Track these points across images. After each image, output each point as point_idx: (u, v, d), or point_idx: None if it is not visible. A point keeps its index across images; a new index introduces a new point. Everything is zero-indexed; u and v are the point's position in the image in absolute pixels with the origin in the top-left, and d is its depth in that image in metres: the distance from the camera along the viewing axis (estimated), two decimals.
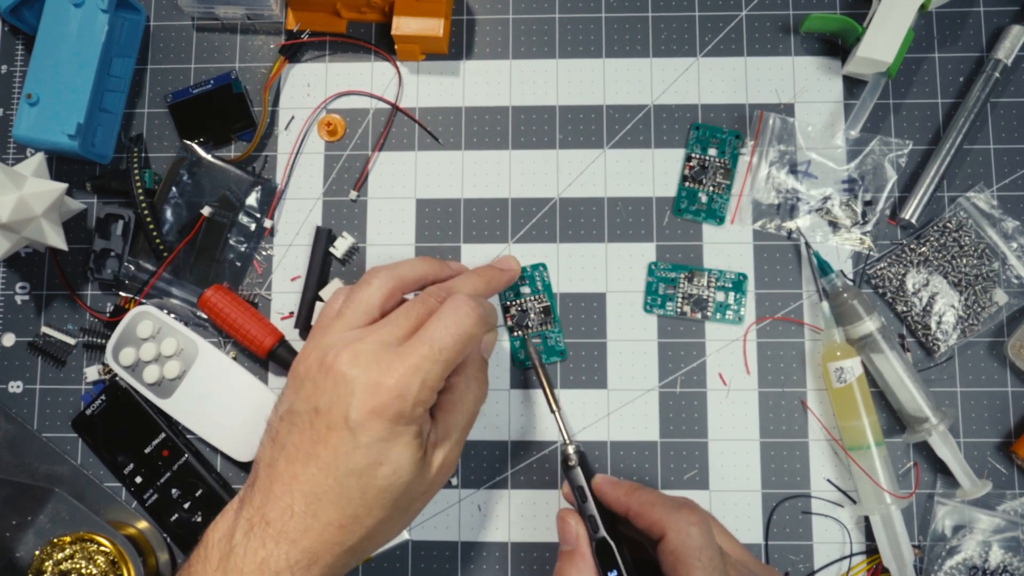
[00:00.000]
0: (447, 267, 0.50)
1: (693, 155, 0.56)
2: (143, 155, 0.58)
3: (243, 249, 0.57)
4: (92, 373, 0.56)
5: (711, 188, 0.56)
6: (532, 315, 0.55)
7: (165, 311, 0.55)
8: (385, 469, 0.41)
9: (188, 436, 0.55)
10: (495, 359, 0.55)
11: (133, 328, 0.54)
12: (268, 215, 0.57)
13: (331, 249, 0.56)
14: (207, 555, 0.42)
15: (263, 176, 0.57)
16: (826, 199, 0.55)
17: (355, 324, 0.44)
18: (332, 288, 0.56)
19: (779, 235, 0.56)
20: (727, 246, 0.56)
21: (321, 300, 0.56)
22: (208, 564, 0.41)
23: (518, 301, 0.56)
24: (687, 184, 0.56)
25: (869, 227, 0.55)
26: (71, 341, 0.57)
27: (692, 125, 0.57)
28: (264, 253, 0.57)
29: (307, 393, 0.43)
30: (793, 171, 0.56)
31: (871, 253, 0.55)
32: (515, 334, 0.55)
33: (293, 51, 0.58)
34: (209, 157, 0.57)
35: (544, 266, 0.56)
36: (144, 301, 0.56)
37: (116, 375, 0.55)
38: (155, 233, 0.55)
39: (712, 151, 0.56)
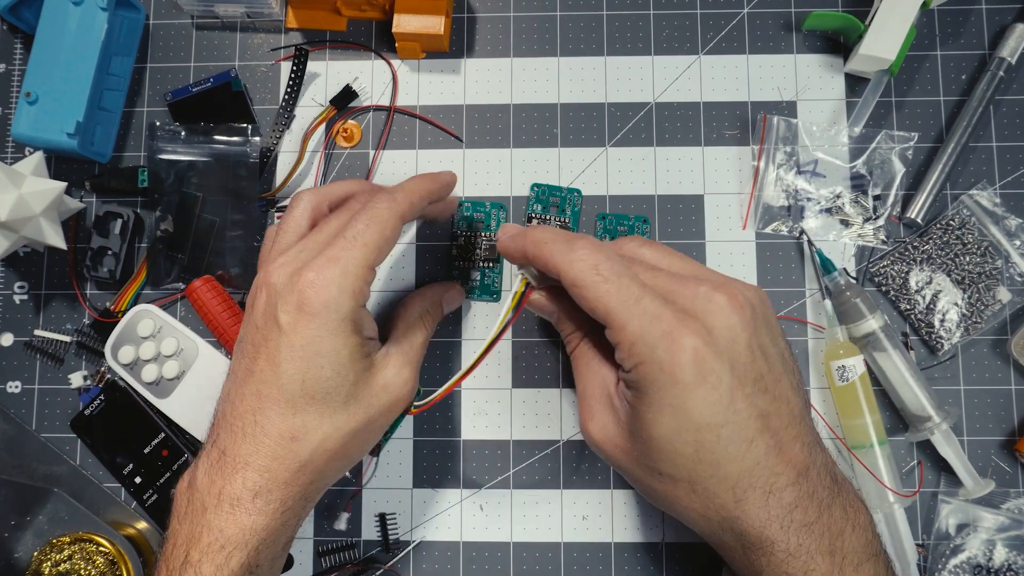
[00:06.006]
0: (376, 187, 0.49)
1: None
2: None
3: (245, 250, 0.56)
4: (77, 379, 0.56)
5: None
6: (478, 250, 0.56)
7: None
8: (323, 366, 0.41)
9: (187, 436, 0.55)
10: (495, 358, 0.55)
11: (133, 326, 0.54)
12: (271, 214, 0.57)
13: None
14: (176, 506, 0.42)
15: (265, 174, 0.57)
16: (837, 197, 0.55)
17: (288, 246, 0.44)
18: None
19: (784, 234, 0.56)
20: (730, 244, 0.56)
21: None
22: (176, 513, 0.41)
23: (468, 233, 0.56)
24: None
25: (881, 221, 0.55)
26: (67, 340, 0.56)
27: (598, 216, 0.56)
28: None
29: (248, 317, 0.43)
30: (800, 172, 0.56)
31: (884, 246, 0.55)
32: (456, 263, 0.55)
33: (345, 102, 0.57)
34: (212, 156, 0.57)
35: (503, 207, 0.56)
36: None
37: (110, 377, 0.55)
38: (160, 231, 0.55)
39: None
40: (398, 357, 0.45)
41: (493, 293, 0.55)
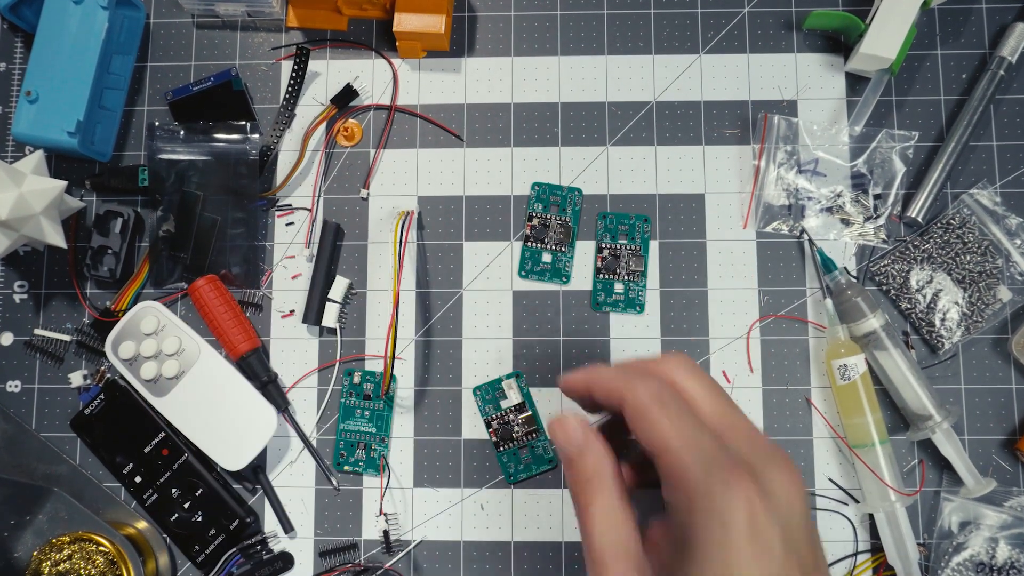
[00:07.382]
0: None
1: (604, 245, 0.55)
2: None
3: (246, 249, 0.56)
4: (77, 378, 0.56)
5: (626, 277, 0.55)
6: (516, 427, 0.54)
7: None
8: None
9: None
10: (496, 356, 0.55)
11: (137, 322, 0.54)
12: (271, 212, 0.57)
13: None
14: None
15: (265, 173, 0.57)
16: (837, 196, 0.55)
17: None
18: (339, 286, 0.55)
19: (784, 233, 0.56)
20: (730, 243, 0.56)
21: (333, 301, 0.55)
22: None
23: (498, 415, 0.54)
24: (601, 276, 0.55)
25: (882, 220, 0.55)
26: (67, 339, 0.56)
27: (599, 215, 0.56)
28: (267, 249, 0.57)
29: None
30: (801, 171, 0.56)
31: (884, 245, 0.55)
32: (501, 448, 0.54)
33: (346, 101, 0.57)
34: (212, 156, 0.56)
35: (520, 375, 0.55)
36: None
37: (110, 376, 0.54)
38: (162, 232, 0.55)
39: (622, 240, 0.55)
40: None
41: (549, 460, 0.54)
